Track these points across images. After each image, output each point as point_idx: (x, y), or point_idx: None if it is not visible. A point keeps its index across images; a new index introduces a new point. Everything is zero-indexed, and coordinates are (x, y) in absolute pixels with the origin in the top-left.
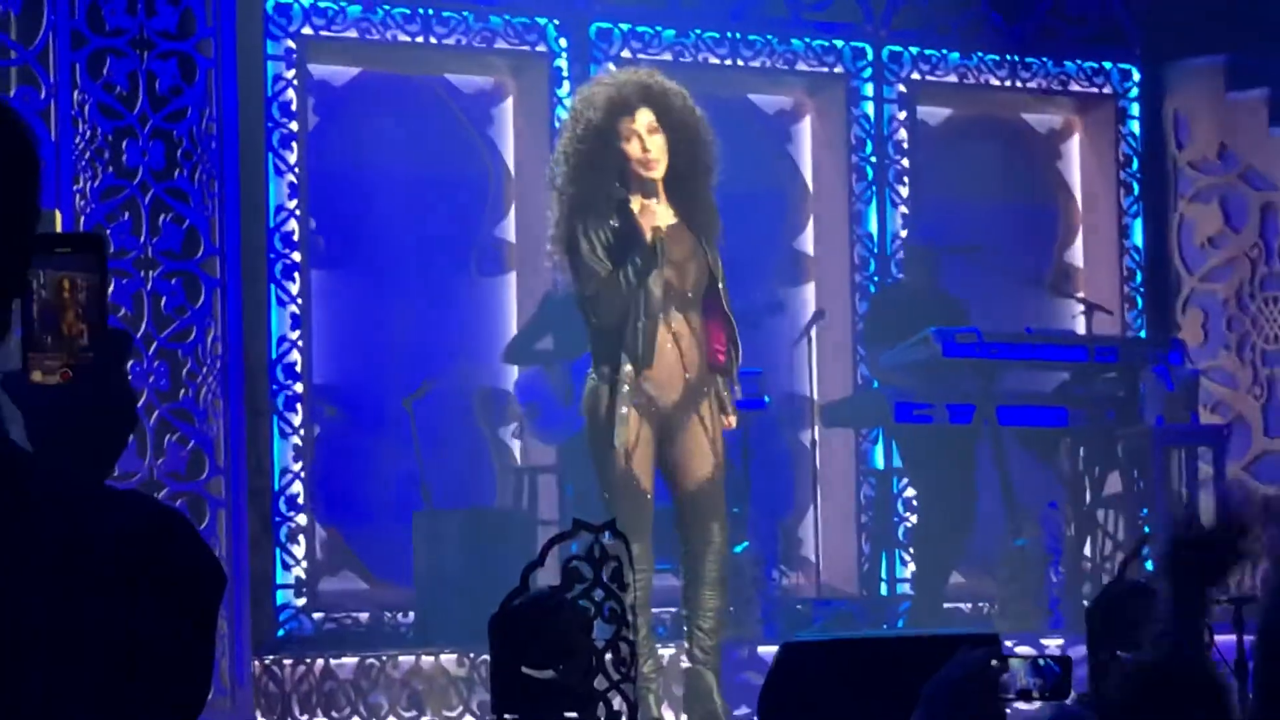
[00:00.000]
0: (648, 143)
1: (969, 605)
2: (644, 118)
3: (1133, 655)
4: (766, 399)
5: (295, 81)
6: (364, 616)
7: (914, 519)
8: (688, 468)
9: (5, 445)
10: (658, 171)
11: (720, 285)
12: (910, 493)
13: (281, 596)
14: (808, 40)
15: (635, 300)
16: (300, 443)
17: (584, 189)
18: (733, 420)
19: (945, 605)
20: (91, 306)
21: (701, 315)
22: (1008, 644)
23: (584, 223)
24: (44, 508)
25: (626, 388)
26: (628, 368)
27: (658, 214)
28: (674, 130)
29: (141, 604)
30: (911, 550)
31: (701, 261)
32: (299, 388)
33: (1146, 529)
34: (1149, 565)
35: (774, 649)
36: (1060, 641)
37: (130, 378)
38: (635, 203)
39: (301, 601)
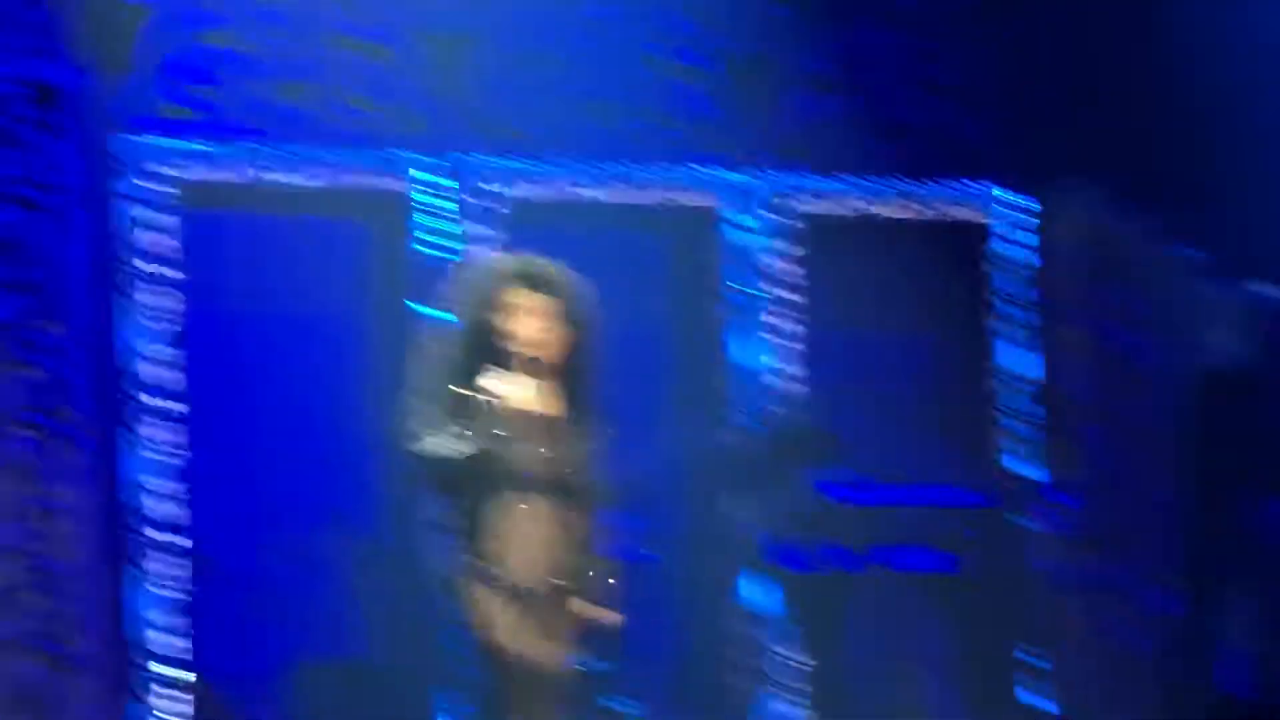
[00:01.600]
0: (531, 323)
1: None
2: (534, 298)
3: None
4: (650, 553)
5: (154, 221)
6: None
7: (799, 665)
8: (544, 651)
9: None
10: (542, 353)
11: (589, 473)
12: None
13: None
14: (683, 170)
15: (491, 479)
16: None
17: (462, 355)
18: (607, 615)
19: None
20: None
21: (569, 501)
22: None
23: (450, 383)
24: None
25: (479, 561)
26: (478, 542)
27: (525, 395)
28: (566, 318)
29: None
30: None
31: (572, 447)
32: None
33: None
34: None
35: None
36: None
37: None
38: (506, 382)
39: None
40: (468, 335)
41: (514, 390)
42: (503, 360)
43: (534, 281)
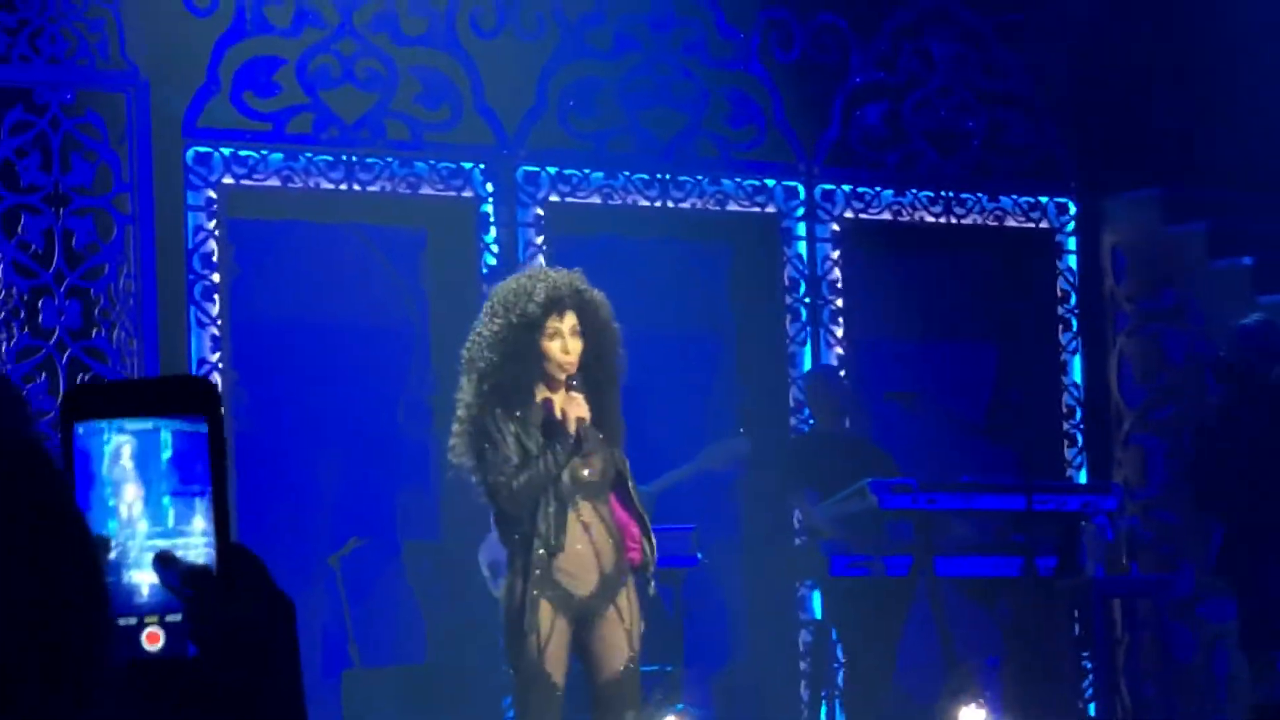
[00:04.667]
0: (569, 344)
1: None
2: (570, 320)
3: None
4: (699, 555)
5: (216, 232)
6: None
7: (847, 671)
8: (603, 660)
9: None
10: (572, 371)
11: (629, 483)
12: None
13: None
14: (738, 180)
15: (546, 487)
16: None
17: (506, 377)
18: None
19: None
20: None
21: (611, 509)
22: None
23: (499, 409)
24: None
25: (538, 572)
26: (540, 552)
27: (578, 405)
28: (592, 337)
29: None
30: (844, 701)
31: (607, 456)
32: None
33: None
34: None
35: None
36: None
37: None
38: (547, 394)
39: None
40: (513, 360)
41: (568, 405)
42: (541, 378)
43: (563, 304)
